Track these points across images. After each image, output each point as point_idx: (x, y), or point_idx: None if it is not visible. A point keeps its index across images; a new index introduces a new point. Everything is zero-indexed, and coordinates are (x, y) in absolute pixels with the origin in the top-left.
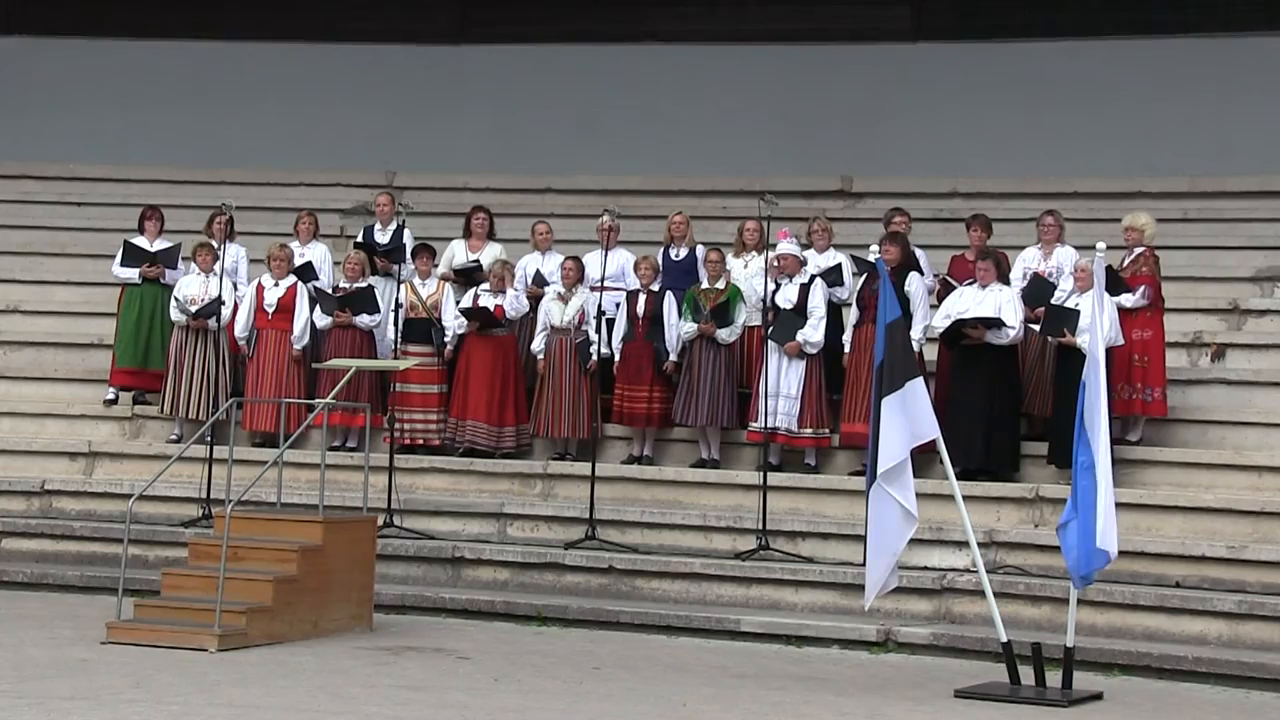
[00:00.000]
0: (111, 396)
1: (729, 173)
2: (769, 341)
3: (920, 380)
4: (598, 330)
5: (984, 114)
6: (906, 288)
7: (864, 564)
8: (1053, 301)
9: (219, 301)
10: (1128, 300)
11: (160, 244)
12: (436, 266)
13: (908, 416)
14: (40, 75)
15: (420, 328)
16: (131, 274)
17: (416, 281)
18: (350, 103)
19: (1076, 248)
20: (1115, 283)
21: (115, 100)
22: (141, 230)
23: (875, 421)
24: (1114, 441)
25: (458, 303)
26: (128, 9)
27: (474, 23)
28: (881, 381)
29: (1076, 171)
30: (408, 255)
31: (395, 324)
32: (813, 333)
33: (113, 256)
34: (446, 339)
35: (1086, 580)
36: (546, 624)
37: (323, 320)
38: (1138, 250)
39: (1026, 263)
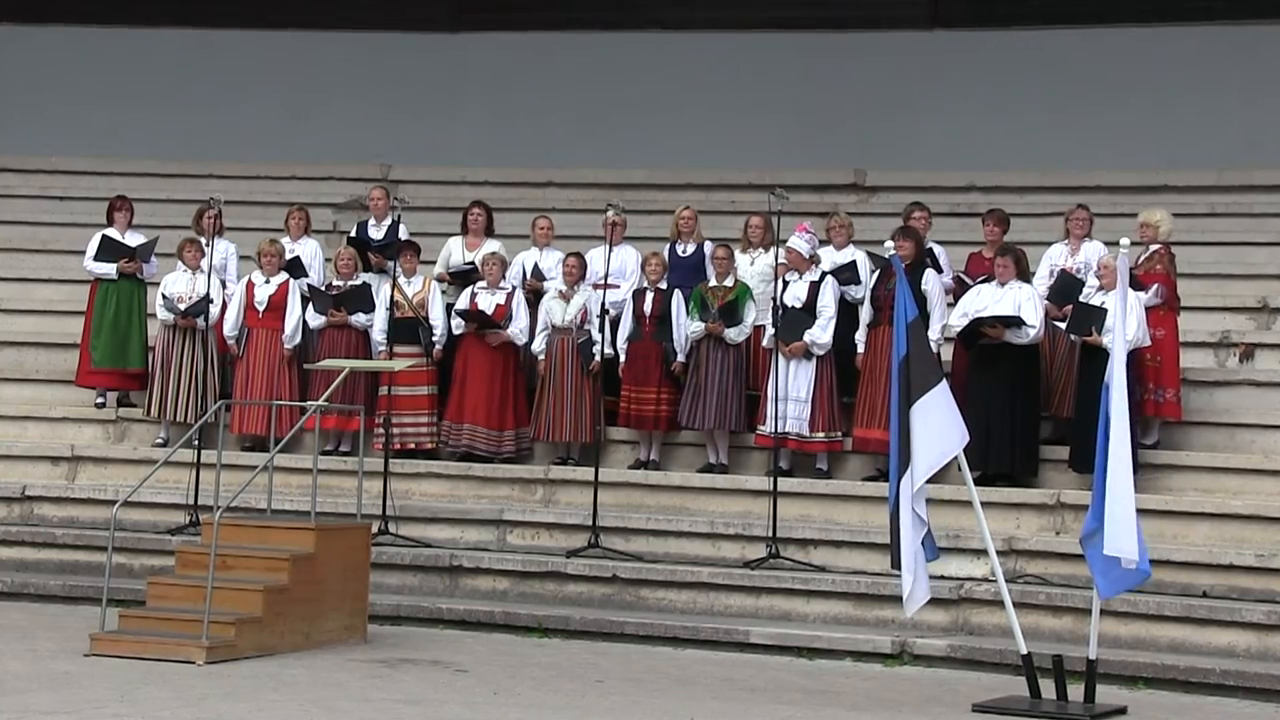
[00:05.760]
0: (101, 400)
1: (737, 166)
2: (775, 340)
3: (945, 384)
4: (601, 329)
5: (1003, 105)
6: (924, 286)
7: (886, 571)
8: (1080, 299)
9: (207, 300)
10: (1142, 298)
11: (135, 237)
12: (426, 265)
13: (940, 422)
14: (20, 64)
15: (407, 328)
16: (108, 269)
17: (402, 280)
18: (343, 93)
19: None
20: (1130, 280)
21: (99, 90)
22: (111, 221)
23: (903, 425)
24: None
25: (452, 304)
26: None
27: (472, 10)
28: (910, 383)
29: (1099, 165)
30: None
31: (389, 324)
32: (821, 333)
33: None
34: (435, 338)
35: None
36: (548, 635)
37: (315, 319)
38: (1153, 247)
39: (1053, 259)
